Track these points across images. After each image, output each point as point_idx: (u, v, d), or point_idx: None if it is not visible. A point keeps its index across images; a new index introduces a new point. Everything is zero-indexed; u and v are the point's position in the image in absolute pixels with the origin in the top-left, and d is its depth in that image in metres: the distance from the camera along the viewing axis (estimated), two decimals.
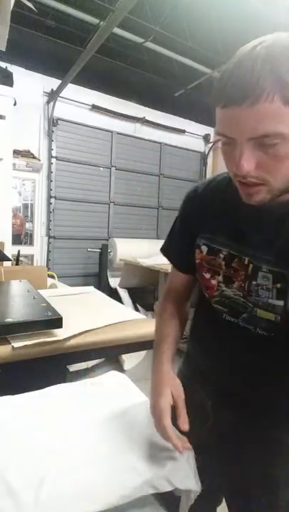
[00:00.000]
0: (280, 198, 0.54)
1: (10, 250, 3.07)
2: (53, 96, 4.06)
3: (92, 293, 1.70)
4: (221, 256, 0.65)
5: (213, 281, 0.67)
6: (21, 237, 4.18)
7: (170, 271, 0.83)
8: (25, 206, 4.23)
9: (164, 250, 0.81)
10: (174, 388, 0.63)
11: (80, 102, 4.42)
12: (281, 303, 0.58)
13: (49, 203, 4.33)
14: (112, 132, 4.77)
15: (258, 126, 0.45)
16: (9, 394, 0.76)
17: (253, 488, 0.68)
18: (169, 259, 0.80)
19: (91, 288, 1.79)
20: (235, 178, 0.53)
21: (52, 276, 2.88)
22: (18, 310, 1.07)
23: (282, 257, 0.57)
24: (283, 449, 0.67)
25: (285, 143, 0.46)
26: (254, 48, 0.45)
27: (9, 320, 0.94)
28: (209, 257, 0.68)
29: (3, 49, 1.84)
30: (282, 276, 0.57)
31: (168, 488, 0.57)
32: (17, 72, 3.69)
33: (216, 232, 0.67)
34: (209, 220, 0.68)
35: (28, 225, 4.24)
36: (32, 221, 4.25)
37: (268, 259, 0.58)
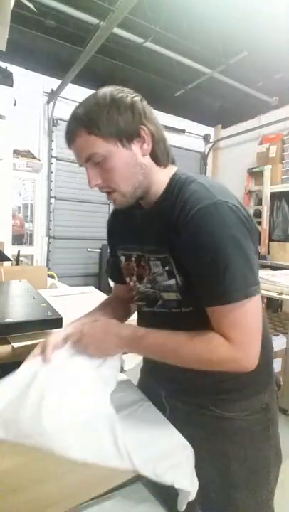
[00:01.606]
0: (147, 198, 0.71)
1: (10, 250, 3.06)
2: (53, 96, 4.06)
3: (92, 293, 1.70)
4: (133, 259, 0.77)
5: (132, 283, 0.79)
6: (21, 237, 4.18)
7: None
8: (25, 206, 4.23)
9: (106, 269, 0.97)
10: (71, 328, 0.76)
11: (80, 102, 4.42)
12: (173, 281, 0.69)
13: (49, 203, 4.33)
14: None
15: (82, 153, 0.67)
16: None
17: (206, 466, 0.70)
18: (108, 275, 0.96)
19: (91, 288, 1.79)
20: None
21: (52, 276, 2.88)
22: (18, 310, 1.07)
23: (159, 243, 0.69)
24: (225, 424, 0.71)
25: (108, 158, 0.65)
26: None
27: (9, 320, 0.94)
28: (126, 264, 0.80)
29: (3, 49, 1.84)
30: (166, 259, 0.68)
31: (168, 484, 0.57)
32: (17, 72, 3.69)
33: (126, 240, 0.79)
34: (120, 232, 0.82)
35: (28, 225, 4.24)
36: (32, 221, 4.25)
37: (152, 248, 0.70)
